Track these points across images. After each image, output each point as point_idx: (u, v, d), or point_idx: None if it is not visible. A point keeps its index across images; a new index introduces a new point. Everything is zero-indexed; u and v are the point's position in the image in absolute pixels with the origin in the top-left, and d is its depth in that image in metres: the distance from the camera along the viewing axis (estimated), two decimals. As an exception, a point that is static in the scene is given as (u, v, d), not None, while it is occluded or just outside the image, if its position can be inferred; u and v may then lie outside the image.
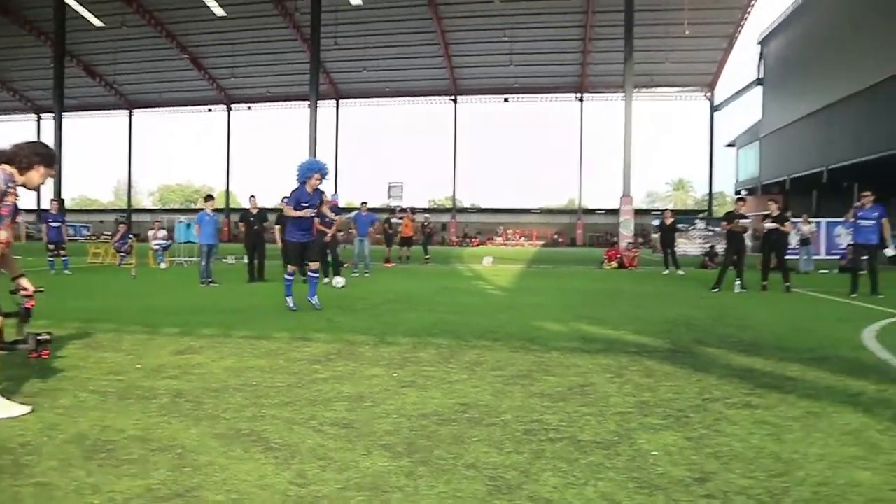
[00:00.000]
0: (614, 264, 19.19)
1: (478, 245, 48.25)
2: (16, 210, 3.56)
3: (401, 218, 20.83)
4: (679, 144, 52.19)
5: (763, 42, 41.29)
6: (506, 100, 52.06)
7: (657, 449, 2.99)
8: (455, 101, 52.31)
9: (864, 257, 11.18)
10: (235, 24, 43.79)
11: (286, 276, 8.10)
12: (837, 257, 20.35)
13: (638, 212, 33.33)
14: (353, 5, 39.37)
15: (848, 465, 2.79)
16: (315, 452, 2.86)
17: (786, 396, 3.99)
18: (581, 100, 50.97)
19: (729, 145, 48.47)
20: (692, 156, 51.73)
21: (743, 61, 45.23)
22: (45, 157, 3.69)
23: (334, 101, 52.97)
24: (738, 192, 42.81)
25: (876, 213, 10.95)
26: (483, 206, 59.80)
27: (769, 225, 11.94)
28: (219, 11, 41.90)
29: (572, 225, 53.77)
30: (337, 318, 7.40)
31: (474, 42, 45.61)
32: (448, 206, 57.72)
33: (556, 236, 53.13)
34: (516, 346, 5.61)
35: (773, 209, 12.07)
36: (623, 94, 27.16)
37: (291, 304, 7.94)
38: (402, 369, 4.66)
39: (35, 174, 3.65)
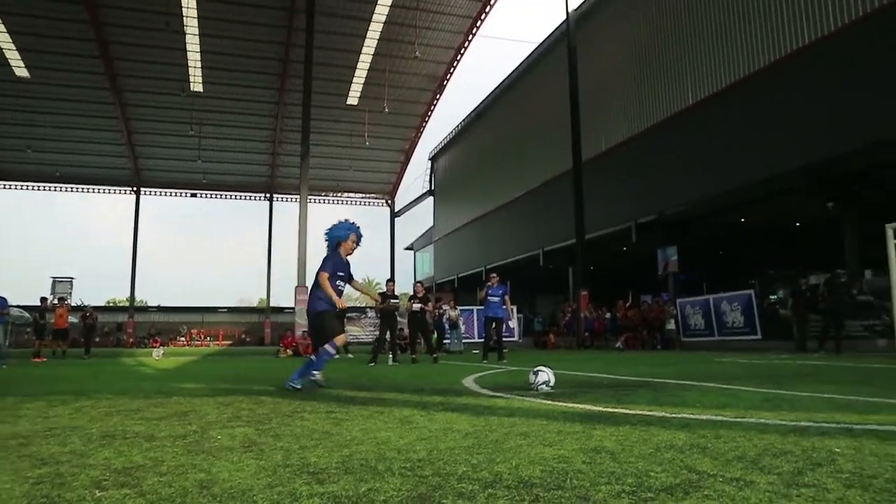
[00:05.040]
0: (290, 352, 19.37)
1: (158, 345, 44.64)
2: None
3: (53, 308, 18.68)
4: (365, 247, 55.89)
5: (433, 158, 46.78)
6: (193, 195, 50.59)
7: (224, 436, 3.26)
8: (138, 192, 49.21)
9: (494, 326, 12.91)
10: None
11: (328, 351, 6.35)
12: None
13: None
14: (18, 77, 35.77)
15: (379, 430, 3.40)
16: None
17: (366, 406, 4.62)
18: (270, 199, 51.63)
19: (408, 248, 52.98)
20: (377, 258, 55.00)
21: (419, 173, 50.18)
22: None
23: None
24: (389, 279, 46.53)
25: (501, 291, 12.87)
26: (167, 304, 56.02)
27: (415, 306, 13.34)
28: None
29: (261, 324, 52.95)
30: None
31: (161, 134, 44.05)
32: (124, 305, 53.02)
33: (244, 335, 51.73)
34: (140, 396, 5.51)
35: (419, 291, 13.54)
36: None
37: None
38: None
39: None
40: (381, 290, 13.29)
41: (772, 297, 18.57)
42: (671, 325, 18.73)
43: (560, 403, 4.60)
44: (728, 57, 19.49)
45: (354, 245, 6.47)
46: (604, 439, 3.03)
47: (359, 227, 6.54)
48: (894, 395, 4.75)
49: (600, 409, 4.25)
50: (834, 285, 13.25)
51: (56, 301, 19.65)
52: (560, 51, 27.23)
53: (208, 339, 50.17)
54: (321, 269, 6.25)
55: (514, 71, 34.91)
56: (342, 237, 6.38)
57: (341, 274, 6.33)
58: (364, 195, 53.31)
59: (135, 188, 48.93)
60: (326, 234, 6.47)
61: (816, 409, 4.13)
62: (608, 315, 22.35)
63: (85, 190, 49.15)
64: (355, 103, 41.44)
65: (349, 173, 48.00)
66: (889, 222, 11.55)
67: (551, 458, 2.59)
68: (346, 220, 6.58)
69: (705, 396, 5.05)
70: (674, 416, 3.85)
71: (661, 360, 12.48)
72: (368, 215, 53.72)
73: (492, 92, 37.58)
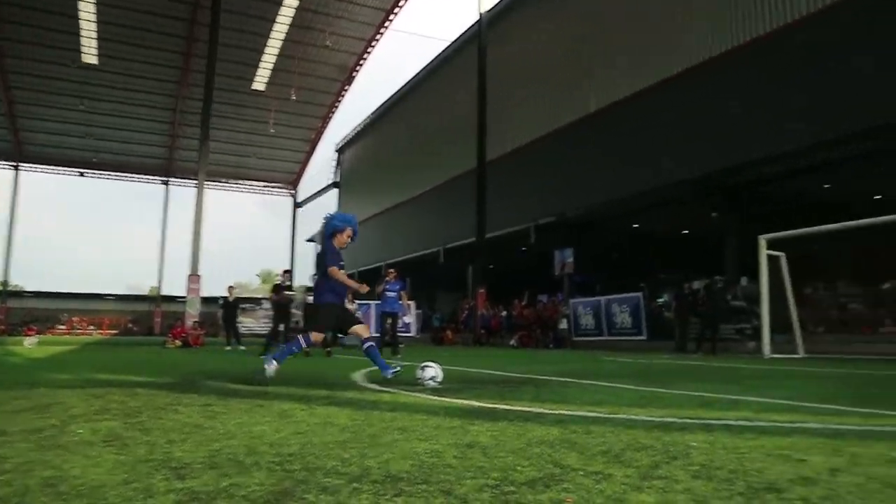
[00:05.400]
0: (178, 342, 18.64)
1: (34, 334, 41.82)
2: None
3: None
4: (266, 238, 54.35)
5: (340, 149, 46.23)
6: (81, 174, 47.69)
7: (85, 430, 3.09)
8: (16, 167, 45.84)
9: (389, 321, 12.93)
10: None
11: (303, 341, 6.04)
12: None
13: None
14: None
15: (255, 424, 3.34)
16: None
17: (245, 399, 4.55)
18: (167, 183, 49.46)
19: (309, 240, 52.05)
20: (277, 248, 53.79)
21: (324, 164, 49.44)
22: None
23: None
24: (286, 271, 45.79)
25: (398, 286, 12.89)
26: (46, 289, 52.51)
27: (310, 298, 13.14)
28: None
29: (150, 313, 50.64)
30: None
31: (47, 106, 41.18)
32: (-1, 290, 49.30)
33: (130, 324, 49.33)
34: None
35: (285, 279, 13.43)
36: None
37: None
38: None
39: None
40: (276, 282, 13.03)
41: (659, 300, 19.51)
42: (563, 325, 19.34)
43: (444, 399, 4.64)
44: (628, 68, 20.30)
45: (349, 239, 6.35)
46: (479, 434, 3.08)
47: (357, 223, 6.45)
48: (753, 393, 5.09)
49: (482, 404, 4.32)
50: (712, 291, 14.08)
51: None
52: (471, 50, 27.53)
53: (91, 327, 47.53)
54: (329, 262, 6.12)
55: (424, 68, 35.01)
56: (339, 227, 6.28)
57: (343, 263, 6.28)
58: (266, 184, 52.00)
59: (14, 163, 45.59)
60: (326, 220, 6.36)
61: (683, 405, 4.37)
62: (504, 313, 22.81)
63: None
64: (262, 89, 40.32)
65: (252, 160, 46.73)
66: (765, 233, 12.42)
67: (423, 453, 2.60)
68: (345, 213, 6.57)
69: (585, 393, 5.25)
70: (551, 412, 3.96)
71: (551, 358, 12.88)
72: (270, 205, 52.57)
73: (402, 87, 37.54)
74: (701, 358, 12.50)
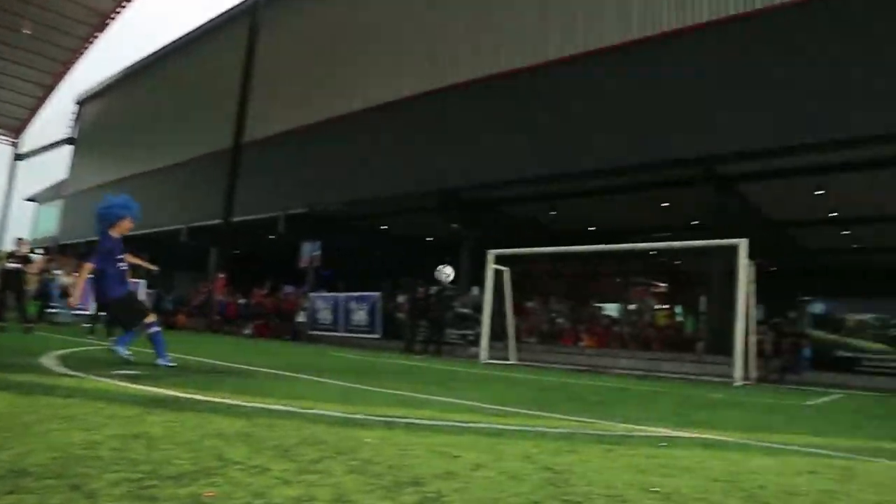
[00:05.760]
0: None
1: None
2: None
3: None
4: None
5: (82, 102, 41.25)
6: None
7: None
8: None
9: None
10: None
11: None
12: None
13: None
14: None
15: None
16: None
17: None
18: None
19: (30, 199, 45.67)
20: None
21: (59, 117, 43.73)
22: None
23: None
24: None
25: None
26: None
27: (10, 265, 11.59)
28: None
29: None
30: None
31: None
32: None
33: None
34: None
35: (23, 248, 11.78)
36: None
37: None
38: None
39: None
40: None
41: (398, 300, 20.20)
42: (301, 318, 19.23)
43: (138, 387, 4.33)
44: (393, 73, 20.83)
45: (130, 226, 5.99)
46: (153, 425, 2.91)
47: (137, 208, 6.03)
48: (450, 395, 5.46)
49: (177, 393, 4.10)
50: (441, 297, 14.99)
51: None
52: (242, 26, 26.24)
53: None
54: (98, 261, 5.76)
55: (191, 32, 32.54)
56: (120, 215, 5.87)
57: (120, 256, 5.89)
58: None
59: None
60: (106, 207, 5.86)
61: (379, 403, 4.55)
62: (242, 300, 22.06)
63: None
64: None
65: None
66: (495, 248, 13.53)
67: (77, 444, 2.38)
68: (123, 197, 6.09)
69: (291, 387, 5.24)
70: (245, 404, 3.88)
71: (280, 350, 12.73)
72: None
73: (164, 47, 34.47)
74: (425, 359, 13.19)
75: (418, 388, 6.00)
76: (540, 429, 3.68)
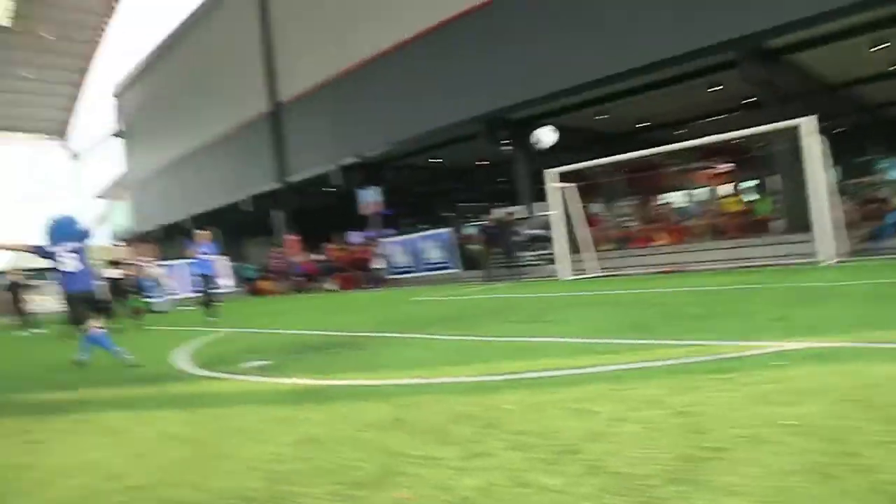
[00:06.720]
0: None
1: None
2: None
3: None
4: (44, 196, 48.22)
5: (119, 94, 41.86)
6: None
7: None
8: None
9: (209, 286, 12.21)
10: None
11: None
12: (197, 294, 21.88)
13: None
14: None
15: (88, 450, 3.22)
16: None
17: (65, 416, 4.23)
18: None
19: (99, 197, 47.35)
20: (60, 207, 48.28)
21: (103, 111, 44.67)
22: None
23: None
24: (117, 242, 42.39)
25: (210, 249, 12.21)
26: None
27: (111, 273, 12.28)
28: None
29: None
30: None
31: None
32: None
33: None
34: None
35: (121, 257, 12.46)
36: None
37: None
38: None
39: None
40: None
41: (465, 232, 20.39)
42: (377, 265, 19.71)
43: (271, 380, 4.68)
44: (422, 4, 20.28)
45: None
46: (312, 424, 3.23)
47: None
48: (553, 332, 5.68)
49: (308, 381, 4.43)
50: (503, 223, 15.15)
51: None
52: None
53: None
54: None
55: (201, 2, 32.24)
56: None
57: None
58: (33, 135, 46.03)
59: None
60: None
61: (495, 357, 4.74)
62: (317, 257, 22.67)
63: None
64: (6, 25, 34.58)
65: (8, 110, 40.95)
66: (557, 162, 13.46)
67: (267, 459, 2.71)
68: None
69: (404, 351, 5.53)
70: (376, 383, 4.19)
71: (370, 302, 13.16)
72: (41, 159, 47.00)
73: (183, 21, 34.31)
74: (508, 287, 13.42)
75: (520, 329, 6.22)
76: (654, 363, 3.82)
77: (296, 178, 24.77)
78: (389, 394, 3.81)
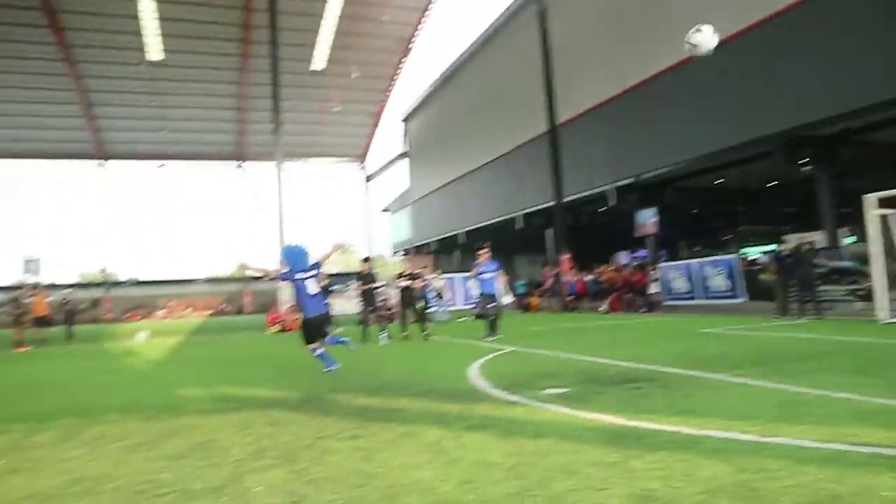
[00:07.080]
0: (276, 328, 19.32)
1: (137, 320, 44.38)
2: None
3: (30, 296, 18.09)
4: (339, 211, 55.38)
5: (406, 119, 46.16)
6: (161, 166, 49.39)
7: (261, 484, 3.25)
8: (102, 165, 47.99)
9: (490, 305, 12.69)
10: None
11: None
12: (472, 306, 23.02)
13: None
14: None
15: (416, 468, 3.39)
16: None
17: (387, 425, 4.57)
18: (241, 167, 50.86)
19: (384, 211, 52.72)
20: (352, 222, 54.78)
21: (391, 135, 49.84)
22: None
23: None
24: (396, 254, 46.95)
25: (494, 267, 12.71)
26: (142, 278, 54.99)
27: (403, 283, 13.39)
28: None
29: (239, 293, 52.60)
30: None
31: (121, 105, 42.92)
32: (100, 281, 51.78)
33: (223, 305, 51.49)
34: (147, 416, 5.42)
35: (408, 268, 13.57)
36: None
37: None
38: (8, 456, 4.21)
39: None
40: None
41: (752, 258, 18.84)
42: (654, 289, 19.01)
43: (578, 414, 4.61)
44: (704, 19, 19.26)
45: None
46: (647, 477, 3.06)
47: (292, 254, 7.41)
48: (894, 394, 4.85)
49: (622, 422, 4.27)
50: (800, 252, 13.52)
51: (31, 289, 19.04)
52: (531, 10, 26.82)
53: (188, 309, 50.14)
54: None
55: (485, 30, 34.25)
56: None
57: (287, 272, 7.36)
58: (336, 159, 52.78)
59: (99, 159, 47.60)
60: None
61: (834, 418, 4.09)
62: (589, 277, 22.57)
63: (45, 163, 47.43)
64: (322, 68, 40.32)
65: (319, 139, 47.55)
66: (863, 183, 11.74)
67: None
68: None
69: (718, 397, 5.08)
70: (701, 433, 3.87)
71: (654, 330, 12.62)
72: (340, 180, 53.48)
73: (463, 52, 36.88)
74: (807, 324, 12.04)
75: (854, 384, 5.26)
76: None
77: (571, 196, 24.96)
78: (722, 449, 3.48)
